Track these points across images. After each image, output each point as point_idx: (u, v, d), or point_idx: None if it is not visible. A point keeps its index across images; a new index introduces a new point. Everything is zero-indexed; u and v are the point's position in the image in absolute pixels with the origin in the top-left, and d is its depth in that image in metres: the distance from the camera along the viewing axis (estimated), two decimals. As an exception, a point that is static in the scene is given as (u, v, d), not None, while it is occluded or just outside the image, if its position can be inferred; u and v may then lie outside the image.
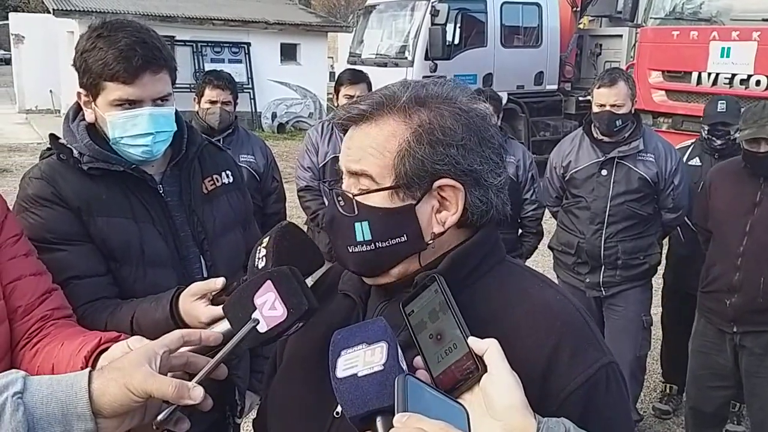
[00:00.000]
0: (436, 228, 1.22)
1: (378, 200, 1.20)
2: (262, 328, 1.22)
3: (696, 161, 4.55)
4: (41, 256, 1.80)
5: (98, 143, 1.99)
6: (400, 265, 1.24)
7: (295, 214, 8.46)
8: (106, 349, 1.46)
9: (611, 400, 1.16)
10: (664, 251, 4.64)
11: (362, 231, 1.21)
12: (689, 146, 4.69)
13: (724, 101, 4.48)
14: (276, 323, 1.22)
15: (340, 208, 1.23)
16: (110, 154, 1.99)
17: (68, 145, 2.00)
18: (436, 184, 1.20)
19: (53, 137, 2.07)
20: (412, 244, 1.21)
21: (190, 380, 1.18)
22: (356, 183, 1.23)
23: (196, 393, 1.16)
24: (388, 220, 1.20)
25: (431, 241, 1.22)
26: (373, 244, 1.21)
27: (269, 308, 1.22)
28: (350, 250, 1.23)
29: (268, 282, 1.24)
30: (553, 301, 1.23)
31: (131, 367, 1.14)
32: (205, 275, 2.09)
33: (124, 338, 1.47)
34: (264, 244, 1.38)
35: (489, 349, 1.04)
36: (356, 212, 1.20)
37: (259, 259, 1.36)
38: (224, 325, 1.35)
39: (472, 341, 1.05)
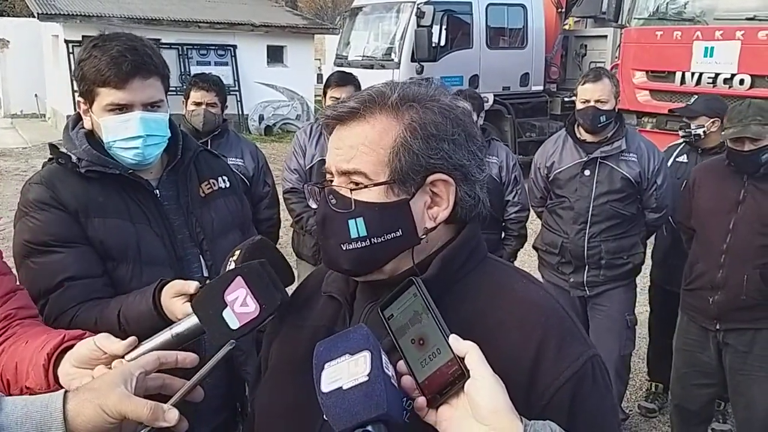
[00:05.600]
0: (428, 223, 1.24)
1: (373, 196, 1.21)
2: (234, 324, 1.23)
3: (683, 158, 4.62)
4: (40, 258, 1.91)
5: (96, 149, 2.05)
6: (393, 261, 1.25)
7: (284, 217, 8.40)
8: (70, 347, 1.47)
9: (597, 392, 1.18)
10: (649, 250, 4.66)
11: (357, 227, 1.21)
12: (680, 144, 4.74)
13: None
14: (248, 320, 1.23)
15: (332, 206, 1.23)
16: (107, 159, 2.05)
17: (67, 152, 2.06)
18: (430, 179, 1.23)
19: (53, 146, 2.12)
20: (407, 238, 1.23)
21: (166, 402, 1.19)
22: (347, 181, 1.23)
23: (170, 415, 1.18)
24: (383, 215, 1.21)
25: (424, 236, 1.24)
26: (368, 240, 1.21)
27: (241, 304, 1.23)
28: (344, 248, 1.23)
29: (239, 278, 1.25)
30: (537, 296, 1.26)
31: (106, 388, 1.16)
32: (206, 275, 2.13)
33: (88, 335, 1.48)
34: (234, 258, 1.38)
35: (469, 353, 1.04)
36: (352, 207, 1.21)
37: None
38: (192, 320, 1.36)
39: (453, 339, 1.06)
